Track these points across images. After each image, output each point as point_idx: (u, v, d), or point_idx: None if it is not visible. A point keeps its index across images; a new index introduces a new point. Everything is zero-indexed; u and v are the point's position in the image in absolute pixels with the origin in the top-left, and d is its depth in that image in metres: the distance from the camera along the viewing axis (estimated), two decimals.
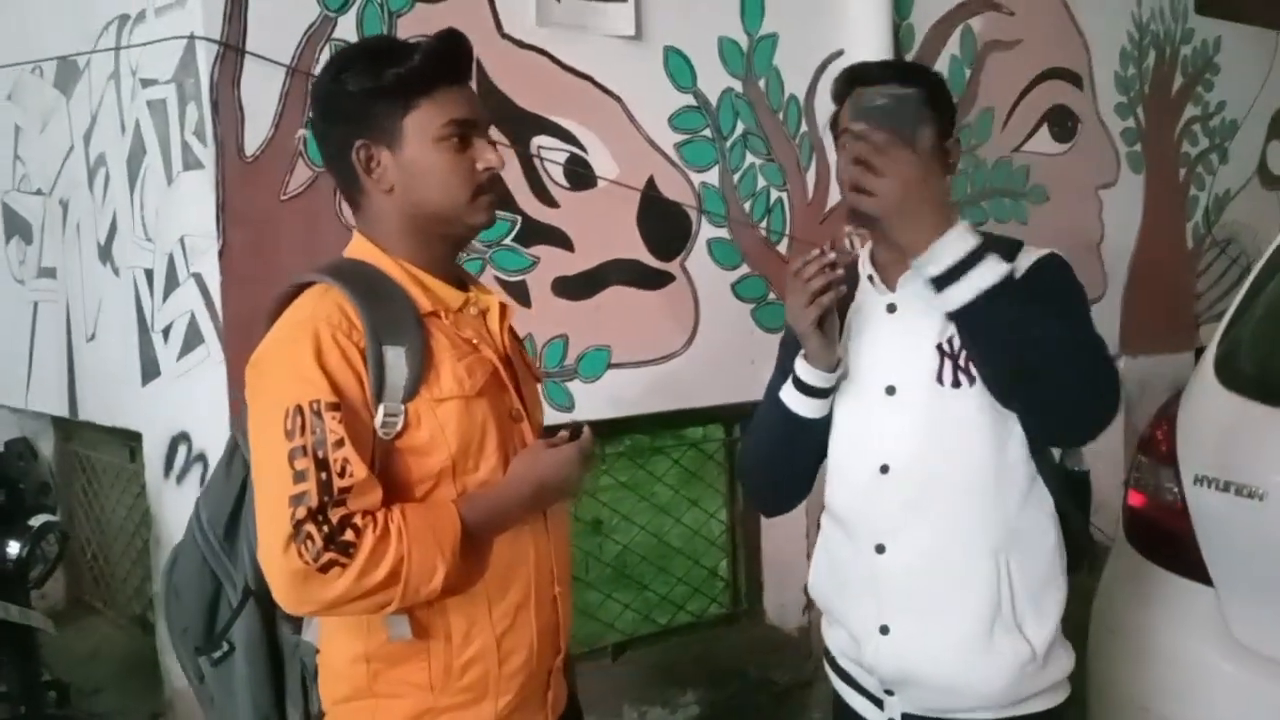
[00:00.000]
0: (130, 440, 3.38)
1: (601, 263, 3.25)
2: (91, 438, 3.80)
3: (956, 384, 1.58)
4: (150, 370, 3.00)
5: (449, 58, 1.47)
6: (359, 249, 1.53)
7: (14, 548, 2.48)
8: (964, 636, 1.60)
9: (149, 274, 2.96)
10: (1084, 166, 4.52)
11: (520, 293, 3.09)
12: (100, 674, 3.49)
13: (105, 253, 3.20)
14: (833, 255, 1.56)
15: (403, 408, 1.40)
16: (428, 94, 1.44)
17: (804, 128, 3.63)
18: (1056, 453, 1.72)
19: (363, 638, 1.45)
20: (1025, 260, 1.61)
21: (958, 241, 1.45)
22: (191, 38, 2.64)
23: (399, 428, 1.40)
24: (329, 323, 1.39)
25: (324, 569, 1.30)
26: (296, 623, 1.57)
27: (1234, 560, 2.15)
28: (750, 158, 3.53)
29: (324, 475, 1.32)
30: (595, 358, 3.25)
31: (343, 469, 1.33)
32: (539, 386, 1.70)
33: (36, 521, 2.52)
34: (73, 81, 3.30)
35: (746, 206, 3.53)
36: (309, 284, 1.48)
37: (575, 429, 1.54)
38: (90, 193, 3.26)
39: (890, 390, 1.63)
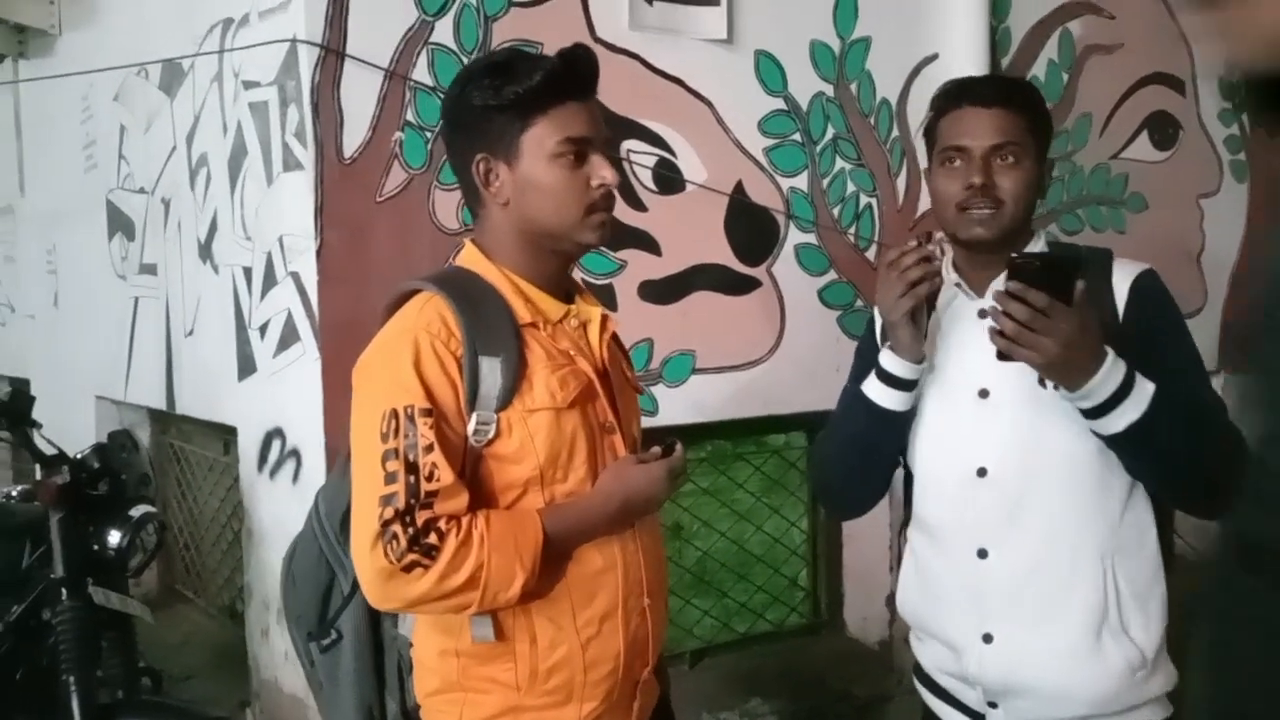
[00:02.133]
0: (225, 434, 3.46)
1: (688, 267, 3.23)
2: (187, 430, 3.90)
3: (1059, 386, 1.55)
4: (247, 367, 3.07)
5: (569, 76, 1.49)
6: (469, 258, 1.57)
7: (115, 537, 2.54)
8: (1072, 641, 1.59)
9: (247, 272, 3.03)
10: (1185, 174, 4.38)
11: (607, 296, 3.10)
12: (191, 661, 3.57)
13: (205, 250, 3.29)
14: (931, 247, 1.59)
15: (495, 416, 1.44)
16: (544, 112, 1.47)
17: (895, 132, 3.58)
18: None
19: (452, 635, 1.50)
20: (1122, 282, 1.61)
21: (1108, 379, 1.47)
22: (293, 41, 2.69)
23: (490, 435, 1.45)
24: (429, 331, 1.44)
25: (407, 569, 1.36)
26: (394, 617, 1.63)
27: None
28: (840, 163, 3.48)
29: (413, 479, 1.38)
30: (680, 362, 3.24)
31: (431, 473, 1.38)
32: (638, 398, 1.71)
33: (137, 512, 2.58)
34: (177, 83, 3.39)
35: (835, 212, 3.49)
36: (416, 291, 1.53)
37: (668, 446, 1.55)
38: (192, 192, 3.35)
39: (984, 394, 1.62)
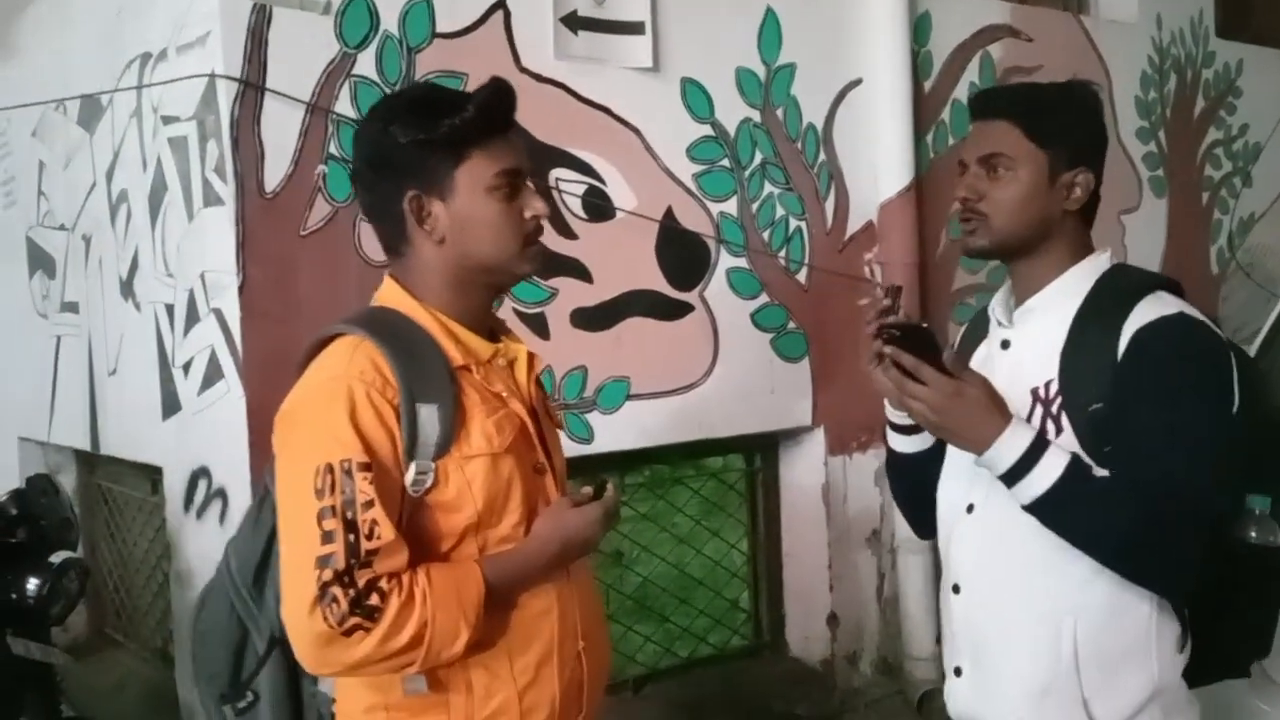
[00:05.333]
0: (152, 473, 3.39)
1: (620, 294, 3.24)
2: (114, 470, 3.81)
3: (1043, 431, 1.52)
4: (171, 405, 3.01)
5: (500, 108, 1.47)
6: (391, 296, 1.51)
7: (34, 585, 2.47)
8: (1018, 693, 1.56)
9: (170, 309, 2.98)
10: (1106, 191, 4.42)
11: (539, 324, 3.09)
12: (122, 707, 3.48)
13: (127, 288, 3.23)
14: (887, 301, 1.59)
15: (433, 465, 1.40)
16: (480, 145, 1.45)
17: (822, 156, 3.62)
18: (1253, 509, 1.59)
19: (380, 690, 1.45)
20: (1132, 326, 1.49)
21: (1010, 443, 1.45)
22: (212, 76, 2.66)
23: (428, 484, 1.40)
24: (363, 380, 1.38)
25: (348, 633, 1.30)
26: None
27: None
28: (769, 187, 3.52)
29: (352, 537, 1.31)
30: (614, 389, 3.23)
31: (371, 531, 1.33)
32: (560, 433, 1.69)
33: (57, 558, 2.51)
34: (96, 119, 3.33)
35: (765, 236, 3.52)
36: (337, 334, 1.46)
37: (599, 485, 1.54)
38: (112, 228, 3.29)
39: None
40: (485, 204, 1.45)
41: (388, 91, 2.81)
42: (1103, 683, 1.51)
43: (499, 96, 1.47)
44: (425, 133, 1.43)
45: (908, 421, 1.69)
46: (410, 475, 1.38)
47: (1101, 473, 1.47)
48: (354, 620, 1.30)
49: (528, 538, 1.47)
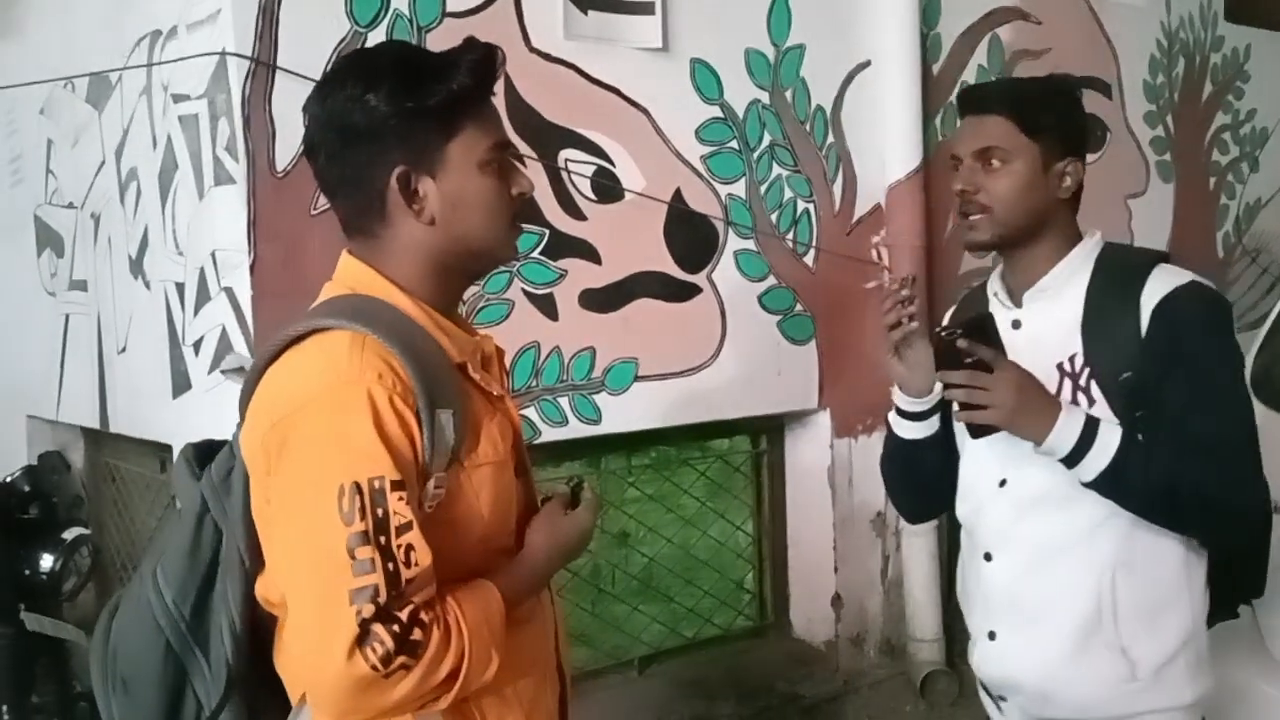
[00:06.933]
0: (161, 451, 3.40)
1: (628, 275, 3.24)
2: (122, 449, 3.82)
3: (1075, 403, 1.60)
4: (181, 383, 3.02)
5: (492, 73, 1.34)
6: (365, 282, 1.34)
7: (47, 561, 2.50)
8: (1058, 646, 1.64)
9: (180, 288, 2.98)
10: (1113, 176, 4.48)
11: (548, 305, 3.10)
12: None
13: (137, 266, 3.23)
14: (905, 292, 1.67)
15: (445, 477, 1.27)
16: (472, 116, 1.31)
17: (830, 139, 3.62)
18: None
19: None
20: (1151, 299, 1.59)
21: (1066, 430, 1.54)
22: (223, 54, 2.66)
23: (440, 499, 1.27)
24: (383, 384, 1.21)
25: (391, 674, 1.15)
26: (284, 712, 1.35)
27: (1273, 577, 2.12)
28: (777, 169, 3.52)
29: (391, 565, 1.16)
30: (622, 370, 3.24)
31: (408, 557, 1.18)
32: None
33: (69, 535, 2.55)
34: (104, 97, 3.33)
35: (773, 218, 3.52)
36: (319, 328, 1.28)
37: (575, 485, 1.46)
38: (122, 206, 3.29)
39: None
40: (479, 181, 1.32)
41: None
42: (1142, 630, 1.61)
43: (491, 59, 1.32)
44: (415, 101, 1.27)
45: (916, 408, 1.75)
46: (429, 489, 1.25)
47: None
48: (401, 659, 1.15)
49: (525, 550, 1.37)
